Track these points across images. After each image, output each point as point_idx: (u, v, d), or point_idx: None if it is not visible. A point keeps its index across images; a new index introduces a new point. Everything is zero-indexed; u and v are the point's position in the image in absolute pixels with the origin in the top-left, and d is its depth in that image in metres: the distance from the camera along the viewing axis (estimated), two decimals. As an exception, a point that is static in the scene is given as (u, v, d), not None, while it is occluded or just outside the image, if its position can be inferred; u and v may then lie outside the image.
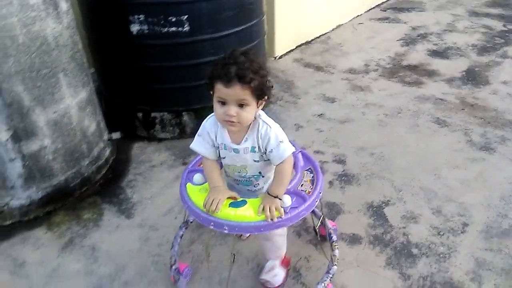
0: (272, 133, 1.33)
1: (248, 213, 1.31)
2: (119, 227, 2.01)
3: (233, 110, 1.24)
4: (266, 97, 1.31)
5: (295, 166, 1.49)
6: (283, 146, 1.33)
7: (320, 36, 4.25)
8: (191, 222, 1.86)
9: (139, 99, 2.62)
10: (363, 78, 3.41)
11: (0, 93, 1.75)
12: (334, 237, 1.75)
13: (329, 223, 1.83)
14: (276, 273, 1.64)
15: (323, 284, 1.57)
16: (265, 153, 1.36)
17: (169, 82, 2.52)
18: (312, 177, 1.48)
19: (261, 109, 1.35)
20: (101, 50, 2.58)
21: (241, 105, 1.25)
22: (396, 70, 3.54)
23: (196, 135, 1.43)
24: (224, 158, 1.43)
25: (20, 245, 1.90)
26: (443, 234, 1.90)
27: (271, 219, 1.28)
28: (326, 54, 3.87)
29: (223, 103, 1.25)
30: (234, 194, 1.38)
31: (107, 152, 2.41)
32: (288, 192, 1.38)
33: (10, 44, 1.72)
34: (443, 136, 2.61)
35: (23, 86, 1.81)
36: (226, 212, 1.32)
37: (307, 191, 1.41)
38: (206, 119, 1.41)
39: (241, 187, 1.51)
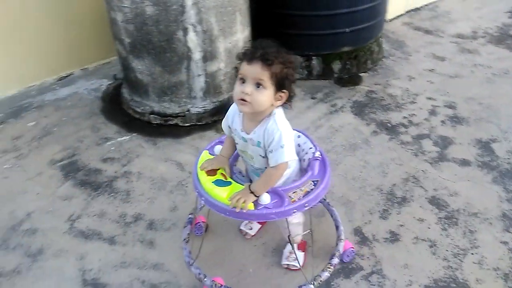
0: (277, 135, 1.32)
1: (223, 194, 1.37)
2: (269, 136, 2.59)
3: (249, 87, 1.27)
4: (286, 93, 1.32)
5: (306, 172, 1.49)
6: (281, 151, 1.32)
7: (428, 4, 4.50)
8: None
9: (276, 43, 3.14)
10: (471, 42, 3.66)
11: (201, 22, 2.36)
12: (335, 261, 1.64)
13: (342, 248, 1.71)
14: (296, 257, 1.69)
15: None
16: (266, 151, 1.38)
17: (304, 29, 3.01)
18: (311, 189, 1.43)
19: (282, 108, 1.37)
20: None
21: (258, 86, 1.27)
22: (504, 38, 3.74)
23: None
24: (237, 144, 1.49)
25: (198, 140, 2.55)
26: (544, 166, 2.24)
27: (236, 208, 1.33)
28: (434, 20, 4.14)
29: (243, 81, 1.29)
30: (223, 166, 1.47)
31: (253, 82, 2.99)
32: (273, 191, 1.39)
33: (214, -15, 2.31)
34: (549, 94, 2.87)
35: (215, 18, 2.40)
36: (208, 186, 1.41)
37: (293, 199, 1.38)
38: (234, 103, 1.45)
39: (253, 176, 1.56)
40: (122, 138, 2.56)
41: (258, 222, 1.89)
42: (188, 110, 2.63)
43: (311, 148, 1.58)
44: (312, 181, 1.45)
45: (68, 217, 2.02)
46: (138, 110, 2.69)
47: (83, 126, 2.68)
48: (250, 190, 1.35)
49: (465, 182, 2.16)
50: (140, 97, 2.67)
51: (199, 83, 2.55)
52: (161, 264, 1.78)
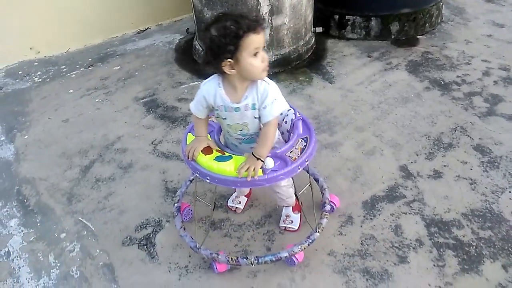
0: (270, 89, 1.38)
1: (228, 168, 1.40)
2: (325, 87, 2.81)
3: (265, 55, 1.34)
4: None
5: (292, 132, 1.54)
6: (276, 104, 1.38)
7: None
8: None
9: (337, 3, 3.32)
10: (535, 11, 3.63)
11: (271, -22, 2.60)
12: (328, 207, 1.79)
13: (329, 196, 1.86)
14: (292, 219, 1.81)
15: (299, 247, 1.61)
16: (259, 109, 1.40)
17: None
18: (305, 145, 1.49)
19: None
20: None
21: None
22: None
23: (195, 96, 1.49)
24: (225, 119, 1.46)
25: (261, 87, 2.82)
26: None
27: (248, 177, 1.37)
28: (498, -11, 4.10)
29: (255, 53, 1.31)
30: (212, 144, 1.50)
31: (312, 40, 3.20)
32: (273, 155, 1.44)
33: None
34: None
35: (283, -25, 2.63)
36: (210, 164, 1.42)
37: (293, 158, 1.44)
38: (203, 83, 1.45)
39: (244, 145, 1.54)
40: (194, 83, 2.90)
41: (245, 195, 1.97)
42: (253, 61, 2.89)
43: (289, 109, 1.61)
44: (301, 138, 1.52)
45: (152, 141, 2.39)
46: (208, 59, 3.00)
47: (160, 72, 3.05)
48: (255, 156, 1.39)
49: (511, 134, 2.29)
50: (210, 47, 2.97)
51: (265, 36, 2.80)
52: (229, 180, 2.10)
